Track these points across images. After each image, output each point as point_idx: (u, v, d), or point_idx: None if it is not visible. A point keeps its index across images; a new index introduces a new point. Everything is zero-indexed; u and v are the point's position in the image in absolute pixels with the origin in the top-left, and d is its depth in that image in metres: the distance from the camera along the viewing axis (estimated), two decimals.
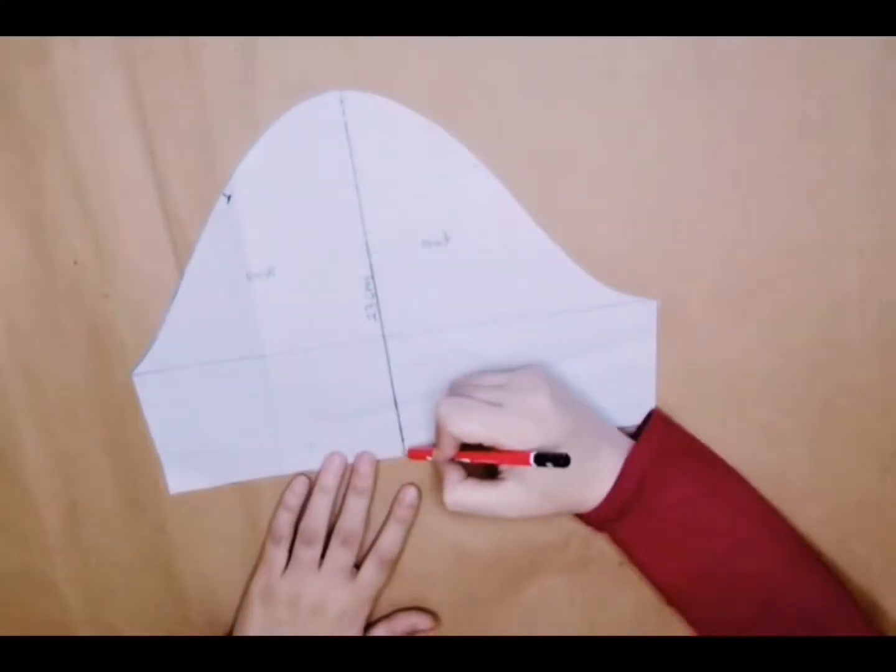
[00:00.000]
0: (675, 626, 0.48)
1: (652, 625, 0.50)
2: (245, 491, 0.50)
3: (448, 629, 0.52)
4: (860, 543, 0.49)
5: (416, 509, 0.50)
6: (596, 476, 0.44)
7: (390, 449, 0.50)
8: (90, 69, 0.43)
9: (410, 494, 0.50)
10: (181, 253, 0.46)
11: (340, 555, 0.49)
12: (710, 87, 0.43)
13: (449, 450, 0.44)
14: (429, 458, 0.47)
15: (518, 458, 0.42)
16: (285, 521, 0.50)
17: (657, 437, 0.45)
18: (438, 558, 0.51)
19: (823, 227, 0.45)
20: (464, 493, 0.44)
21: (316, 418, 0.49)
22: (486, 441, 0.42)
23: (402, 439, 0.49)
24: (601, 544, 0.49)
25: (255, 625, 0.50)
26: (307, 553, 0.49)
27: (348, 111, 0.43)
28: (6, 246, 0.46)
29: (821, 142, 0.43)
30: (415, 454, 0.49)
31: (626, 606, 0.51)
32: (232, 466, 0.50)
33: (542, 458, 0.41)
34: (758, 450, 0.48)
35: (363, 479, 0.49)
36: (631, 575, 0.49)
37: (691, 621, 0.46)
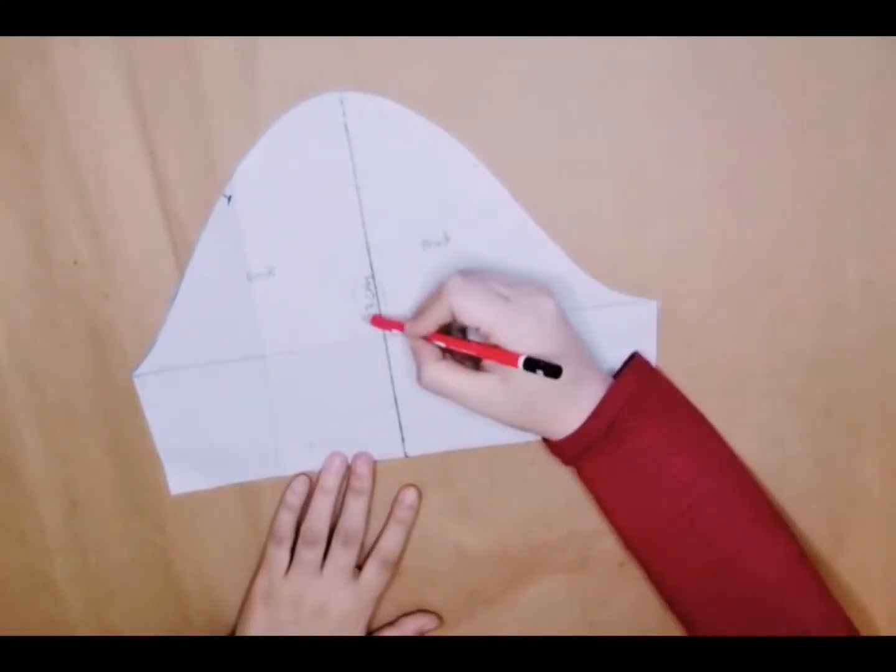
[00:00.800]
0: (674, 627, 0.48)
1: (652, 625, 0.50)
2: (245, 491, 0.50)
3: (448, 629, 0.52)
4: (860, 543, 0.49)
5: (417, 510, 0.50)
6: (575, 404, 0.43)
7: (391, 449, 0.50)
8: (90, 69, 0.43)
9: (410, 496, 0.50)
10: (181, 253, 0.46)
11: (342, 556, 0.49)
12: (710, 87, 0.43)
13: (433, 323, 0.42)
14: (395, 331, 0.45)
15: (507, 357, 0.40)
16: (286, 521, 0.50)
17: (635, 381, 0.44)
18: (439, 558, 0.51)
19: (823, 227, 0.45)
20: (443, 371, 0.42)
21: (316, 418, 0.49)
22: (484, 328, 0.41)
23: (403, 439, 0.49)
24: (601, 544, 0.50)
25: (258, 626, 0.50)
26: (309, 554, 0.49)
27: (348, 112, 0.43)
28: (6, 246, 0.46)
29: (821, 142, 0.43)
30: (379, 322, 0.46)
31: (626, 606, 0.51)
32: (233, 467, 0.50)
33: (533, 364, 0.39)
34: (758, 450, 0.48)
35: (361, 480, 0.49)
36: (631, 575, 0.49)
37: (647, 570, 0.46)
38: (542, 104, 0.43)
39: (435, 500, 0.50)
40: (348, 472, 0.50)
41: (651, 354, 0.47)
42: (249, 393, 0.48)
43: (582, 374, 0.43)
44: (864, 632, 0.49)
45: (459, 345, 0.43)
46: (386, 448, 0.50)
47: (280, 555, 0.50)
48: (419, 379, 0.43)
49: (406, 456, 0.50)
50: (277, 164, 0.44)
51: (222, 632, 0.52)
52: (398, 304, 0.47)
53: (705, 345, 0.47)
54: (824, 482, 0.48)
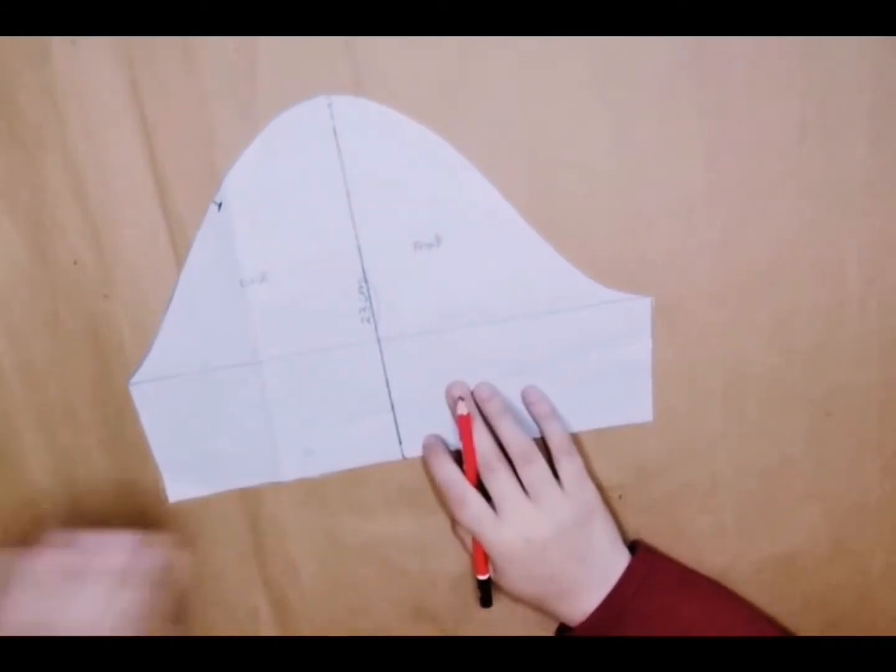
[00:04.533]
0: None
1: None
2: (246, 494, 0.50)
3: (448, 629, 0.52)
4: (860, 543, 0.49)
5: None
6: (576, 611, 0.46)
7: (388, 452, 0.50)
8: (90, 69, 0.43)
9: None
10: (181, 253, 0.46)
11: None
12: (710, 87, 0.43)
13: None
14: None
15: (480, 564, 0.48)
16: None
17: (639, 574, 0.46)
18: (439, 558, 0.51)
19: (823, 227, 0.45)
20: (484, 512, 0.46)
21: (313, 423, 0.49)
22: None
23: (400, 441, 0.49)
24: None
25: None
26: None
27: (336, 115, 0.43)
28: (6, 246, 0.46)
29: (821, 142, 0.43)
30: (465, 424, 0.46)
31: None
32: (231, 474, 0.50)
33: (483, 586, 0.49)
34: (758, 450, 0.48)
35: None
36: None
37: None
38: (541, 104, 0.43)
39: (435, 501, 0.50)
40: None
41: (646, 351, 0.47)
42: (246, 399, 0.48)
43: (577, 588, 0.46)
44: (865, 632, 0.49)
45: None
46: (384, 450, 0.50)
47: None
48: (460, 517, 0.46)
49: (404, 457, 0.50)
50: (267, 169, 0.44)
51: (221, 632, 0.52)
52: (391, 307, 0.46)
53: (705, 344, 0.47)
54: (824, 482, 0.48)
